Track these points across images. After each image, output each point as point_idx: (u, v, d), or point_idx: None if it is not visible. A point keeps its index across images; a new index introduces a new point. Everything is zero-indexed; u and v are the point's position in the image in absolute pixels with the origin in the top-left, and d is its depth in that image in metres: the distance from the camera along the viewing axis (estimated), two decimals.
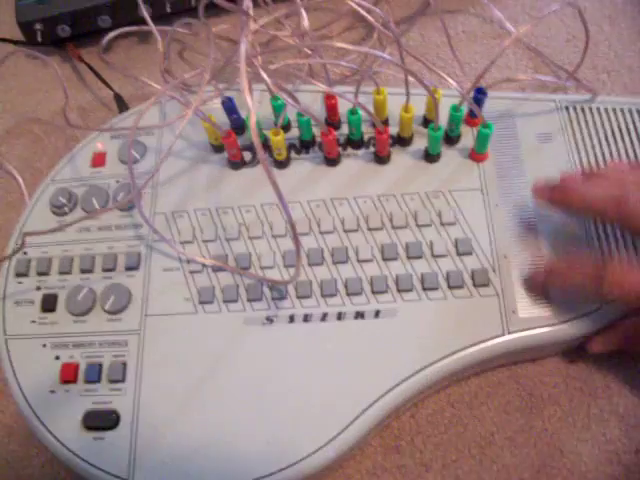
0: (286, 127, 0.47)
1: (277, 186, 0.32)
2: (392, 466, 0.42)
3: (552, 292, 0.40)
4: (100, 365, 0.42)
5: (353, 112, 0.44)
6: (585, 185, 0.39)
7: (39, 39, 0.57)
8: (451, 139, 0.45)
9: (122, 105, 0.54)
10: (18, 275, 0.45)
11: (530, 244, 0.42)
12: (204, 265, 0.44)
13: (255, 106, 0.43)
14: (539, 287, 0.41)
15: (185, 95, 0.44)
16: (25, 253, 0.46)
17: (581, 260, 0.40)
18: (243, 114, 0.47)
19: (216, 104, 0.47)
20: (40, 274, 0.45)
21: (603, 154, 0.45)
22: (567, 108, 0.47)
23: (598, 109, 0.46)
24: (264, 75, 0.38)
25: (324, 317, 0.41)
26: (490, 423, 0.42)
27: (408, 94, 0.42)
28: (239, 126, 0.47)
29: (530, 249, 0.42)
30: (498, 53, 0.40)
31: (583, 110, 0.47)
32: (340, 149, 0.46)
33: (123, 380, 0.41)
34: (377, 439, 0.42)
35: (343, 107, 0.45)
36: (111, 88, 0.55)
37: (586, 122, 0.46)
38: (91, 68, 0.56)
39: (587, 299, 0.40)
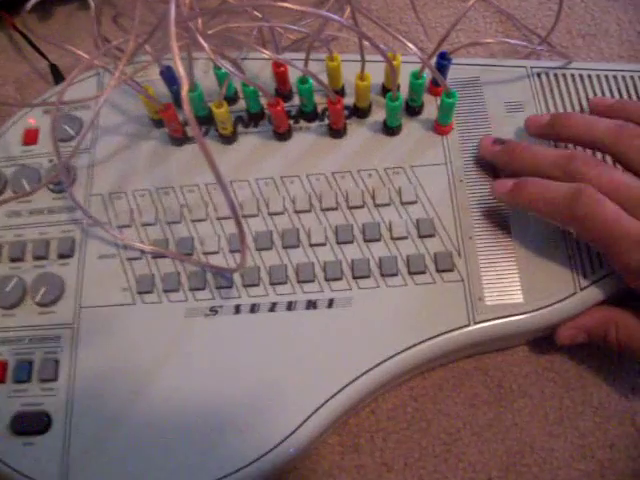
0: (233, 98, 0.43)
1: (214, 162, 0.28)
2: (350, 466, 0.39)
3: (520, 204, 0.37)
4: (30, 363, 0.38)
5: (303, 81, 0.40)
6: (534, 147, 0.37)
7: None
8: (412, 109, 0.42)
9: (58, 76, 0.50)
10: None
11: (498, 224, 0.39)
12: (143, 251, 0.40)
13: (192, 75, 0.39)
14: (505, 197, 0.37)
15: (118, 64, 0.40)
16: None
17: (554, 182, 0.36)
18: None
19: (156, 75, 0.43)
20: None
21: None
22: (539, 75, 0.43)
23: (572, 76, 0.43)
24: (201, 40, 0.34)
25: (273, 307, 0.38)
26: (456, 418, 0.39)
27: (363, 59, 0.38)
28: (180, 98, 0.43)
29: (498, 230, 0.39)
30: (462, 13, 0.36)
31: (556, 77, 0.43)
32: (291, 122, 0.42)
33: (55, 379, 0.38)
34: (334, 437, 0.39)
35: (295, 76, 0.41)
36: (46, 58, 0.51)
37: (559, 90, 0.42)
38: (24, 36, 0.51)
39: (554, 214, 0.35)
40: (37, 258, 0.41)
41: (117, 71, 0.33)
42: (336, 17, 0.34)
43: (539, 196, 0.35)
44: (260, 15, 0.45)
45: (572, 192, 0.34)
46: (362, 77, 0.39)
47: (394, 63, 0.38)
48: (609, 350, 0.37)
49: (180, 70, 0.25)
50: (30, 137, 0.45)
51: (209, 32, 0.36)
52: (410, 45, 0.36)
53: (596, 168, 0.34)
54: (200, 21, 0.39)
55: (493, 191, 0.38)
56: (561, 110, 0.42)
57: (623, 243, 0.32)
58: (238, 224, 0.30)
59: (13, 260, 0.41)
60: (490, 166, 0.40)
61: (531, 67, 0.43)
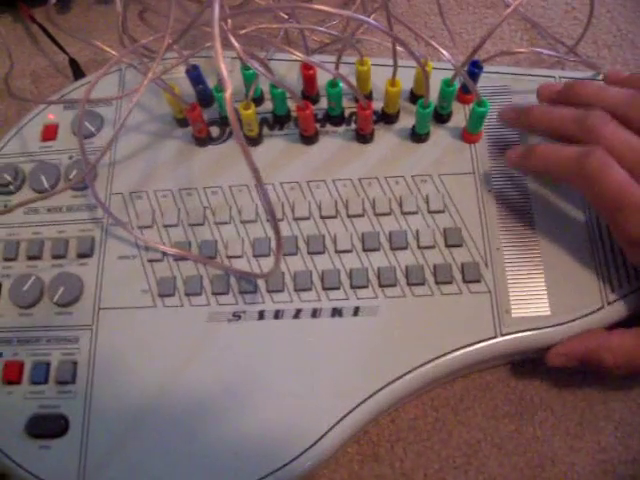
0: (259, 99, 0.43)
1: (257, 171, 0.27)
2: (369, 475, 0.38)
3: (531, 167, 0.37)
4: (48, 364, 0.38)
5: (333, 84, 0.39)
6: (551, 107, 0.37)
7: None
8: (441, 117, 0.41)
9: (78, 71, 0.49)
10: None
11: (526, 236, 0.38)
12: (164, 253, 0.39)
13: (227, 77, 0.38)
14: (517, 159, 0.38)
15: (145, 63, 0.39)
16: None
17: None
18: (210, 84, 0.42)
19: (181, 73, 0.42)
20: None
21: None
22: None
23: None
24: (233, 41, 0.34)
25: (297, 314, 0.37)
26: (477, 429, 0.39)
27: (396, 66, 0.38)
28: (206, 98, 0.43)
29: (526, 241, 0.38)
30: (496, 24, 0.36)
31: None
32: (318, 125, 0.42)
33: (73, 381, 0.37)
34: (354, 446, 0.39)
35: (322, 79, 0.41)
36: (66, 52, 0.50)
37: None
38: (44, 29, 0.50)
39: (564, 175, 0.35)
40: (55, 257, 0.40)
41: (150, 72, 0.33)
42: (373, 22, 0.33)
43: (550, 157, 0.35)
44: (286, 16, 0.44)
45: (583, 152, 0.33)
46: (393, 83, 0.39)
47: (426, 69, 0.37)
48: (606, 374, 0.36)
49: (224, 73, 0.25)
50: (49, 133, 0.44)
51: (241, 32, 0.36)
52: (444, 52, 0.36)
53: (611, 124, 0.34)
54: (230, 21, 0.38)
55: (506, 159, 0.38)
56: None
57: (627, 210, 0.32)
58: (276, 228, 0.30)
59: (31, 258, 0.40)
60: (519, 177, 0.40)
61: (560, 77, 0.43)
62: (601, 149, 0.33)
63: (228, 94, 0.26)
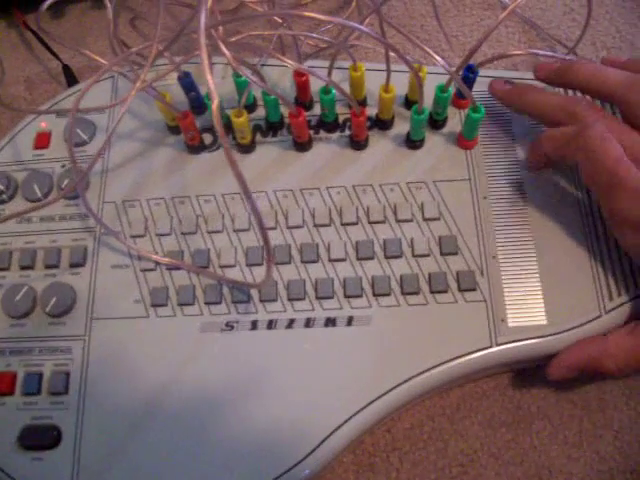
0: (251, 106, 0.42)
1: (243, 178, 0.27)
2: None
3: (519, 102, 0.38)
4: (40, 375, 0.37)
5: (326, 91, 0.39)
6: (543, 92, 0.38)
7: None
8: (436, 123, 0.41)
9: (71, 78, 0.49)
10: None
11: (522, 244, 0.38)
12: (157, 263, 0.39)
13: (215, 84, 0.38)
14: (501, 93, 0.39)
15: (136, 71, 0.39)
16: None
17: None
18: (203, 91, 0.42)
19: (173, 80, 0.42)
20: None
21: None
22: (566, 89, 0.42)
23: None
24: (223, 49, 0.33)
25: (290, 324, 0.37)
26: (473, 439, 0.38)
27: (389, 72, 0.37)
28: (198, 105, 0.42)
29: (522, 249, 0.38)
30: (492, 27, 0.35)
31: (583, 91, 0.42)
32: (311, 132, 0.41)
33: (66, 392, 0.37)
34: (349, 456, 0.38)
35: (316, 85, 0.41)
36: (59, 59, 0.50)
37: None
38: (37, 36, 0.50)
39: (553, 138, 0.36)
40: (48, 267, 0.40)
41: (139, 80, 0.32)
42: (365, 29, 0.33)
43: (539, 102, 0.37)
44: (280, 20, 0.44)
45: (584, 123, 0.34)
46: (387, 89, 0.38)
47: (420, 75, 0.37)
48: (606, 377, 0.36)
49: (211, 85, 0.24)
50: (42, 141, 0.44)
51: (231, 40, 0.35)
52: (438, 59, 0.35)
53: (599, 113, 0.35)
54: (221, 28, 0.38)
55: (489, 88, 0.40)
56: None
57: (621, 188, 0.32)
58: (265, 238, 0.29)
59: (23, 268, 0.40)
60: (515, 182, 0.39)
61: None
62: (602, 124, 0.33)
63: (215, 105, 0.26)
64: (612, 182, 0.32)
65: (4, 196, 0.42)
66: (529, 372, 0.39)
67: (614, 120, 0.35)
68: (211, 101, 0.39)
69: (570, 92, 0.41)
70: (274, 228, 0.39)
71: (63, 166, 0.43)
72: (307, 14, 0.33)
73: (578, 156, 0.34)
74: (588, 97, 0.39)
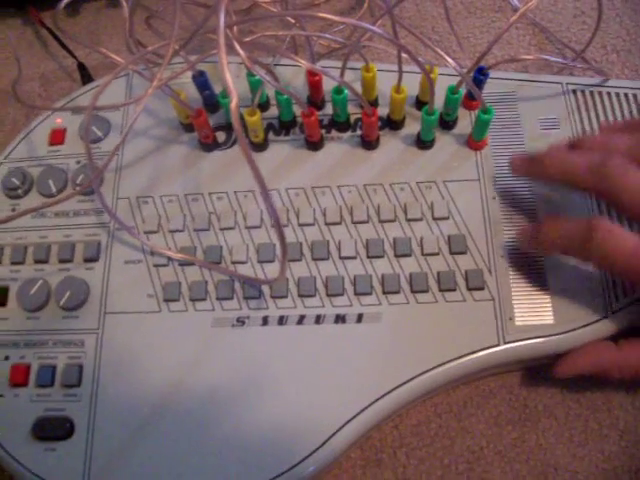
0: (264, 105, 0.43)
1: (261, 178, 0.27)
2: None
3: (540, 249, 0.37)
4: (54, 367, 0.38)
5: (338, 91, 0.39)
6: (564, 153, 0.36)
7: None
8: (446, 124, 0.41)
9: (86, 76, 0.49)
10: None
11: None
12: (170, 258, 0.39)
13: (234, 86, 0.39)
14: (526, 241, 0.37)
15: (151, 69, 0.39)
16: None
17: (569, 217, 0.36)
18: (217, 89, 0.42)
19: (187, 78, 0.42)
20: None
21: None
22: (575, 92, 0.42)
23: (609, 94, 0.42)
24: (238, 48, 0.34)
25: (301, 320, 0.37)
26: (480, 436, 0.39)
27: (401, 73, 0.38)
28: (212, 103, 0.43)
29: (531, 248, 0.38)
30: (504, 30, 0.36)
31: (592, 94, 0.42)
32: (323, 132, 0.42)
33: (78, 385, 0.37)
34: (357, 451, 0.39)
35: (329, 84, 0.41)
36: (74, 56, 0.50)
37: (595, 108, 0.42)
38: (52, 33, 0.51)
39: (574, 254, 0.35)
40: (62, 261, 0.41)
41: (156, 79, 0.33)
42: (379, 30, 0.33)
43: (562, 165, 0.35)
44: (293, 21, 0.44)
45: (599, 159, 0.33)
46: (398, 90, 0.39)
47: (431, 76, 0.37)
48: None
49: (230, 83, 0.25)
50: (57, 137, 0.44)
51: (246, 40, 0.36)
52: (450, 60, 0.36)
53: (633, 176, 0.33)
54: (235, 27, 0.38)
55: (510, 166, 0.38)
56: (596, 128, 0.41)
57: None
58: (280, 235, 0.30)
59: (38, 262, 0.41)
60: (524, 184, 0.40)
61: (567, 83, 0.43)
62: (618, 156, 0.33)
63: (234, 104, 0.26)
64: (630, 277, 0.33)
65: (19, 191, 0.43)
66: (535, 371, 0.40)
67: None
68: (226, 100, 0.40)
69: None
70: (286, 225, 0.40)
71: (78, 162, 0.43)
72: (321, 15, 0.34)
73: (592, 259, 0.34)
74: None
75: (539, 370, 0.40)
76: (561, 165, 0.35)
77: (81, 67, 0.50)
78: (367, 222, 0.39)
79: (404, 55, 0.36)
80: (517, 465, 0.38)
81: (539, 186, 0.40)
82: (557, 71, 0.47)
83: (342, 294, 0.38)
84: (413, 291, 0.38)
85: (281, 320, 0.38)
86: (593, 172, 0.34)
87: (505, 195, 0.40)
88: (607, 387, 0.39)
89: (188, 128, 0.43)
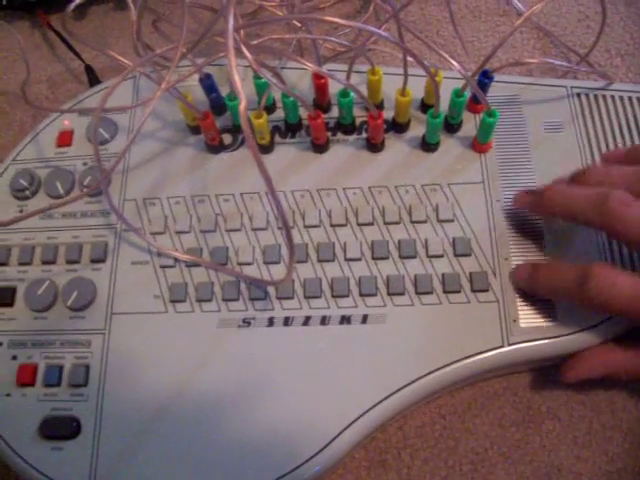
0: (270, 108, 0.43)
1: (270, 180, 0.27)
2: None
3: (538, 291, 0.37)
4: (61, 367, 0.38)
5: (344, 94, 0.39)
6: (566, 187, 0.36)
7: (4, 2, 0.53)
8: (451, 126, 0.41)
9: (93, 78, 0.50)
10: None
11: (534, 246, 0.38)
12: (176, 259, 0.40)
13: (243, 90, 0.39)
14: (523, 284, 0.37)
15: (159, 71, 0.40)
16: None
17: (568, 263, 0.36)
18: (223, 92, 0.43)
19: (194, 80, 0.42)
20: None
21: (617, 147, 0.41)
22: (579, 95, 0.43)
23: (613, 97, 0.42)
24: (245, 51, 0.34)
25: (306, 321, 0.38)
26: (484, 437, 0.39)
27: (406, 76, 0.38)
28: (219, 106, 0.43)
29: (534, 251, 0.38)
30: (508, 34, 0.36)
31: (596, 98, 0.42)
32: (329, 134, 0.42)
33: (85, 384, 0.38)
34: (361, 452, 0.39)
35: (334, 87, 0.41)
36: (81, 59, 0.51)
37: (599, 111, 0.42)
38: (60, 36, 0.51)
39: (572, 301, 0.35)
40: (69, 262, 0.41)
41: (164, 82, 0.33)
42: (385, 34, 0.33)
43: (563, 200, 0.35)
44: (299, 24, 0.45)
45: (600, 193, 0.33)
46: (403, 93, 0.39)
47: (436, 79, 0.38)
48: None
49: (238, 86, 0.25)
50: (64, 139, 0.45)
51: (253, 43, 0.36)
52: (455, 64, 0.36)
53: (636, 211, 0.32)
54: (242, 30, 0.38)
55: (514, 202, 0.38)
56: (600, 132, 0.41)
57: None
58: (288, 237, 0.30)
59: (45, 263, 0.41)
60: (528, 186, 0.40)
61: (571, 87, 0.43)
62: (620, 191, 0.32)
63: (242, 106, 0.26)
64: (631, 320, 0.34)
65: (27, 192, 0.43)
66: (539, 372, 0.40)
67: None
68: (233, 102, 0.40)
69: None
70: (292, 227, 0.40)
71: (85, 164, 0.44)
72: (329, 19, 0.34)
73: (590, 307, 0.34)
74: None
75: (543, 372, 0.40)
76: (562, 200, 0.35)
77: (88, 69, 0.50)
78: (372, 224, 0.40)
79: (409, 58, 0.36)
80: (521, 466, 0.38)
81: None
82: (561, 75, 0.48)
83: (347, 295, 0.38)
84: (418, 293, 0.38)
85: (287, 321, 0.38)
86: (596, 208, 0.33)
87: (509, 198, 0.40)
88: (611, 389, 0.39)
89: (195, 130, 0.43)
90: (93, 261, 0.41)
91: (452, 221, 0.39)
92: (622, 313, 0.33)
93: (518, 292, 0.38)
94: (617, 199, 0.32)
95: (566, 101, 0.42)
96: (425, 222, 0.39)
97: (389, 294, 0.38)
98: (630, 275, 0.33)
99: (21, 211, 0.43)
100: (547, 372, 0.40)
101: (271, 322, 0.38)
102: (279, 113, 0.43)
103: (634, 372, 0.35)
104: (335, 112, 0.43)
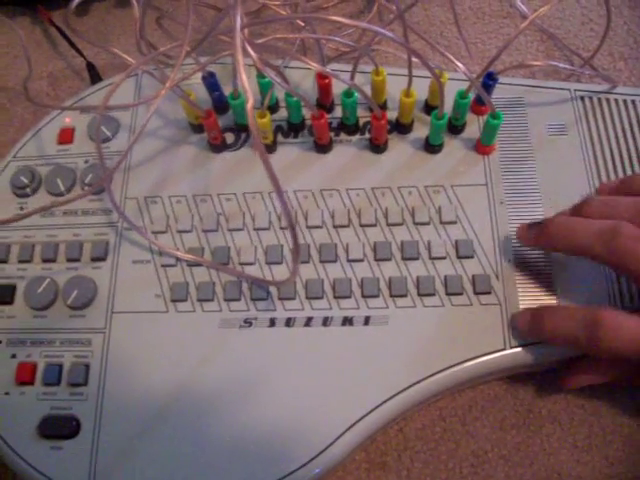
0: (273, 107, 0.43)
1: (277, 180, 0.27)
2: None
3: (541, 337, 0.36)
4: (60, 366, 0.38)
5: (348, 94, 0.39)
6: (569, 219, 0.35)
7: None
8: (455, 128, 0.41)
9: (94, 75, 0.50)
10: None
11: (537, 248, 0.38)
12: (178, 259, 0.40)
13: (235, 83, 0.39)
14: (525, 329, 0.36)
15: (162, 70, 0.39)
16: None
17: (571, 307, 0.36)
18: (226, 91, 0.43)
19: (196, 79, 0.42)
20: None
21: (620, 151, 0.41)
22: (582, 98, 0.43)
23: (616, 101, 0.42)
24: (250, 50, 0.34)
25: (308, 322, 0.38)
26: (484, 440, 0.39)
27: (411, 77, 0.38)
28: (221, 105, 0.43)
29: (537, 254, 0.38)
30: (514, 37, 0.36)
31: (600, 101, 0.42)
32: (332, 134, 0.42)
33: (85, 384, 0.37)
34: (361, 454, 0.39)
35: (337, 87, 0.41)
36: (83, 56, 0.51)
37: (603, 114, 0.42)
38: (62, 32, 0.51)
39: (579, 350, 0.35)
40: (70, 260, 0.41)
41: (169, 80, 0.33)
42: (391, 34, 0.33)
43: (568, 236, 0.34)
44: (302, 24, 0.44)
45: (607, 228, 0.32)
46: (408, 93, 0.39)
47: (442, 81, 0.37)
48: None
49: (245, 85, 0.25)
50: (65, 136, 0.44)
51: (258, 42, 0.36)
52: (460, 65, 0.36)
53: None
54: (246, 29, 0.38)
55: (518, 237, 0.37)
56: (603, 135, 0.41)
57: None
58: (294, 237, 0.30)
59: (45, 261, 0.41)
60: (531, 189, 0.40)
61: (575, 90, 0.43)
62: (627, 227, 0.32)
63: (250, 105, 0.26)
64: None
65: (28, 190, 0.43)
66: (540, 376, 0.40)
67: None
68: (236, 101, 0.40)
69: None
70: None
71: (86, 162, 0.43)
72: (334, 18, 0.34)
73: (600, 355, 0.33)
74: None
75: (544, 375, 0.40)
76: (567, 234, 0.34)
77: (90, 66, 0.50)
78: (375, 225, 0.39)
79: (414, 59, 0.36)
80: (521, 470, 0.38)
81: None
82: (564, 77, 0.48)
83: (349, 296, 0.38)
84: (420, 294, 0.38)
85: (288, 322, 0.38)
86: (605, 244, 0.32)
87: (513, 200, 0.40)
88: (611, 393, 0.39)
89: (197, 129, 0.43)
90: (94, 259, 0.40)
91: (455, 223, 0.39)
92: (633, 356, 0.32)
93: (523, 295, 0.38)
94: (627, 234, 0.32)
95: (570, 104, 0.42)
96: (428, 224, 0.39)
97: (391, 296, 0.38)
98: (637, 317, 0.32)
99: (21, 208, 0.42)
100: (548, 375, 0.40)
101: (273, 323, 0.38)
102: (282, 113, 0.43)
103: (634, 378, 0.35)
104: (338, 112, 0.42)
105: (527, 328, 0.36)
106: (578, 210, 0.36)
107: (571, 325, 0.33)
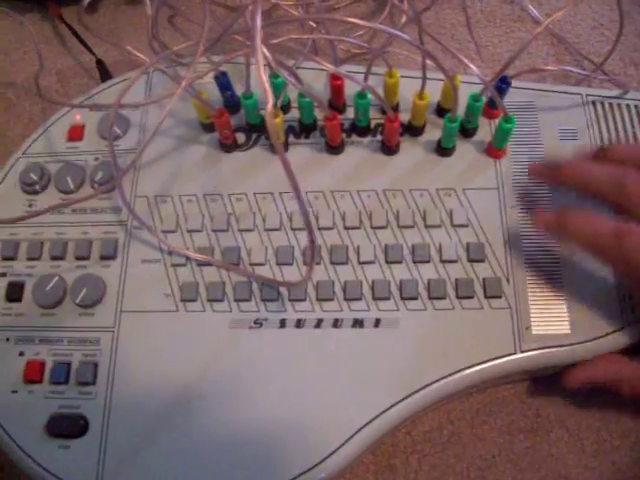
0: (285, 107, 0.43)
1: (295, 180, 0.27)
2: None
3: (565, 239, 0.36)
4: (69, 364, 0.38)
5: (361, 96, 0.39)
6: (586, 163, 0.36)
7: None
8: (467, 131, 0.41)
9: (104, 73, 0.49)
10: None
11: (548, 253, 0.38)
12: (188, 258, 0.39)
13: (248, 83, 0.39)
14: (549, 226, 0.36)
15: (175, 69, 0.39)
16: None
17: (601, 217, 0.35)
18: (238, 90, 0.42)
19: (208, 78, 0.42)
20: (6, 259, 0.41)
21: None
22: (594, 103, 0.43)
23: (628, 106, 0.42)
24: (265, 50, 0.34)
25: (319, 323, 0.38)
26: (492, 444, 0.39)
27: (424, 80, 0.38)
28: (233, 104, 0.43)
29: (547, 258, 0.38)
30: (528, 41, 0.36)
31: (611, 106, 0.42)
32: (344, 136, 0.42)
33: (93, 382, 0.37)
34: (369, 456, 0.39)
35: (350, 88, 0.41)
36: (93, 53, 0.50)
37: (614, 120, 0.42)
38: (72, 29, 0.51)
39: (603, 256, 0.35)
40: (79, 258, 0.40)
41: (184, 79, 0.33)
42: (406, 36, 0.33)
43: (584, 231, 0.34)
44: (315, 25, 0.44)
45: (620, 229, 0.32)
46: (421, 96, 0.39)
47: (455, 84, 0.37)
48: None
49: (267, 86, 0.25)
50: (75, 133, 0.44)
51: (272, 42, 0.36)
52: (474, 68, 0.36)
53: None
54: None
55: (535, 223, 0.37)
56: (615, 140, 0.41)
57: None
58: (311, 238, 0.30)
59: (54, 258, 0.41)
60: (543, 193, 0.40)
61: (586, 95, 0.43)
62: (637, 171, 0.32)
63: (270, 106, 0.26)
64: None
65: (37, 187, 0.42)
66: (549, 380, 0.40)
67: None
68: (248, 101, 0.40)
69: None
70: (304, 229, 0.39)
71: (96, 159, 0.43)
72: (349, 20, 0.34)
73: (617, 266, 0.34)
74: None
75: (552, 379, 0.40)
76: (581, 175, 0.35)
77: (100, 64, 0.50)
78: (386, 227, 0.39)
79: (427, 62, 0.36)
80: (528, 474, 0.38)
81: (558, 196, 0.40)
82: (575, 83, 0.48)
83: (360, 299, 0.38)
84: (431, 297, 0.38)
85: (299, 323, 0.38)
86: (612, 186, 0.34)
87: (524, 204, 0.40)
88: (619, 399, 0.39)
89: (208, 128, 0.43)
90: (103, 258, 0.40)
91: (466, 226, 0.39)
92: None
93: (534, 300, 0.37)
94: (636, 180, 0.33)
95: (581, 109, 0.42)
96: (439, 227, 0.39)
97: (402, 298, 0.38)
98: None
99: (30, 205, 0.42)
100: (557, 380, 0.40)
101: (283, 324, 0.38)
102: (294, 113, 0.43)
103: (637, 385, 0.35)
104: (350, 113, 0.42)
105: (552, 228, 0.36)
106: (597, 154, 0.37)
107: (599, 229, 0.33)
